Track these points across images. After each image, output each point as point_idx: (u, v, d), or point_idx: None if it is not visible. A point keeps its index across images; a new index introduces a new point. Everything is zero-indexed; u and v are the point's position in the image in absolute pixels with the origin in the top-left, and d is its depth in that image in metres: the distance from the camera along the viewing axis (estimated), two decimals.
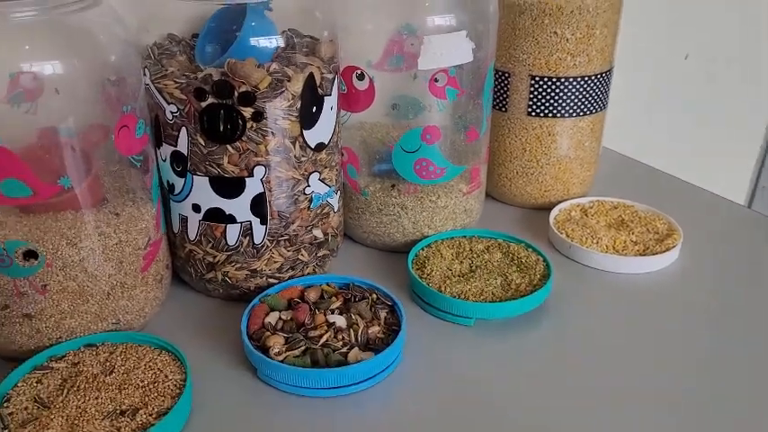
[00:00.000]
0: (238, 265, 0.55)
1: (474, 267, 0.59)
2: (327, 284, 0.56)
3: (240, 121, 0.50)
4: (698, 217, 0.72)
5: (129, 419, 0.42)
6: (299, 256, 0.57)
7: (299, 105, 0.51)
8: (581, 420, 0.46)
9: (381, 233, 0.64)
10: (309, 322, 0.51)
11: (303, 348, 0.49)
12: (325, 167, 0.56)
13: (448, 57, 0.57)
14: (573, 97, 0.68)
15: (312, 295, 0.54)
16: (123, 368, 0.46)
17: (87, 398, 0.43)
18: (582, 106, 0.69)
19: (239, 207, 0.53)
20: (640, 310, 0.57)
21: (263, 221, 0.54)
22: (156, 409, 0.43)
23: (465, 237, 0.63)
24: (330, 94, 0.54)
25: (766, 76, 1.26)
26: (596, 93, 0.69)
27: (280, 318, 0.52)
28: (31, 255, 0.45)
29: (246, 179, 0.52)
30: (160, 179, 0.55)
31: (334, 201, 0.59)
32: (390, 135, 0.61)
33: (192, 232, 0.55)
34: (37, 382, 0.45)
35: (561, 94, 0.67)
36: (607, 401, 0.48)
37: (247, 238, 0.54)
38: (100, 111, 0.47)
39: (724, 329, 0.55)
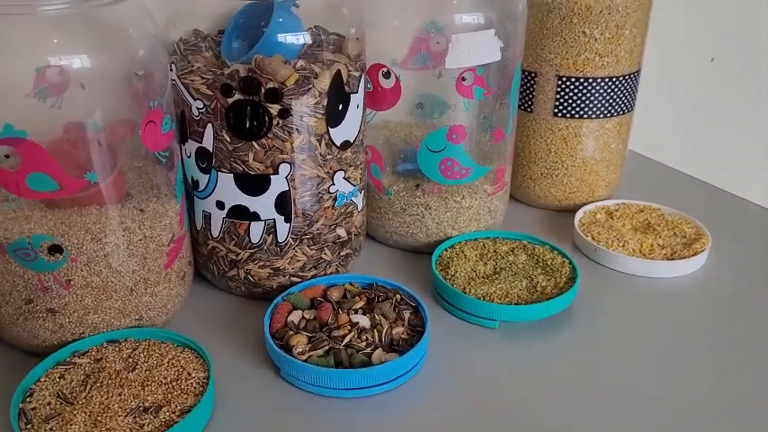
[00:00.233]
0: (261, 263, 0.55)
1: (498, 269, 0.58)
2: (350, 284, 0.55)
3: (266, 118, 0.49)
4: (726, 221, 0.70)
5: (152, 416, 0.42)
6: (323, 255, 0.56)
7: (325, 103, 0.51)
8: (605, 427, 0.45)
9: (404, 233, 0.64)
10: (333, 322, 0.50)
11: (326, 348, 0.48)
12: (350, 166, 0.55)
13: (476, 55, 0.56)
14: (600, 98, 0.67)
15: (335, 294, 0.54)
16: (146, 365, 0.46)
17: (110, 394, 0.43)
18: (609, 107, 0.68)
19: (263, 205, 0.53)
20: (668, 315, 0.56)
21: (287, 219, 0.53)
22: (179, 407, 0.43)
23: (489, 238, 0.63)
24: (357, 92, 0.54)
25: None
26: (624, 94, 0.68)
27: (303, 317, 0.52)
28: (55, 249, 0.45)
29: (271, 176, 0.52)
30: (184, 175, 0.55)
31: (359, 200, 0.58)
32: (414, 134, 0.61)
33: (216, 229, 0.55)
34: (60, 378, 0.45)
35: (588, 94, 0.66)
36: (633, 407, 0.47)
37: (271, 235, 0.54)
38: (126, 106, 0.47)
39: (753, 335, 0.54)
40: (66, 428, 0.41)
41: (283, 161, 0.51)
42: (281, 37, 0.50)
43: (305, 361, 0.47)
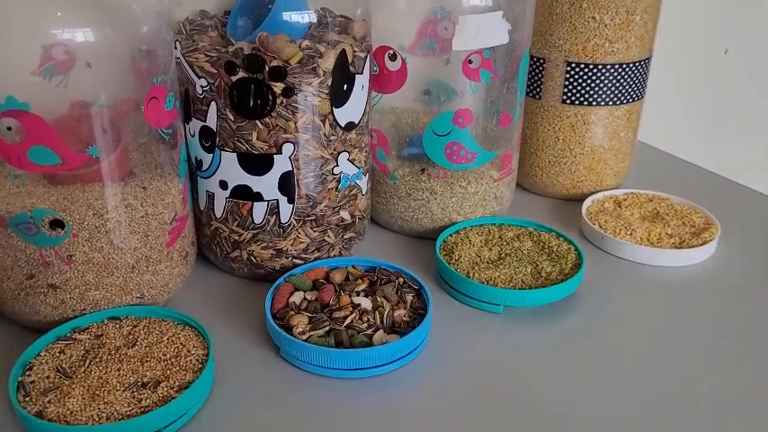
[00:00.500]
0: (264, 245, 0.55)
1: (503, 255, 0.58)
2: (353, 267, 0.55)
3: (270, 97, 0.49)
4: (735, 212, 0.69)
5: (150, 392, 0.42)
6: (326, 238, 0.56)
7: (329, 82, 0.51)
8: (607, 414, 0.44)
9: (409, 218, 0.63)
10: (334, 303, 0.50)
11: (327, 329, 0.48)
12: (355, 148, 0.55)
13: (483, 38, 0.56)
14: (609, 85, 0.66)
15: (338, 277, 0.53)
16: (146, 341, 0.46)
17: (109, 369, 0.43)
18: (618, 95, 0.67)
19: (267, 185, 0.52)
20: (675, 304, 0.56)
21: (291, 200, 0.53)
22: (177, 383, 0.42)
23: (495, 224, 0.62)
24: (362, 73, 0.53)
25: None
26: (634, 81, 0.67)
27: (305, 298, 0.51)
28: (57, 224, 0.45)
29: (275, 156, 0.51)
30: (188, 155, 0.55)
31: (363, 183, 0.58)
32: (421, 121, 0.60)
33: (219, 209, 0.54)
34: (60, 353, 0.45)
35: (597, 81, 0.66)
36: (635, 395, 0.46)
37: (274, 216, 0.54)
38: (130, 82, 0.46)
39: (761, 325, 0.53)
40: (63, 401, 0.40)
41: (287, 141, 0.51)
42: (286, 16, 0.49)
43: (305, 341, 0.47)
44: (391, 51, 0.57)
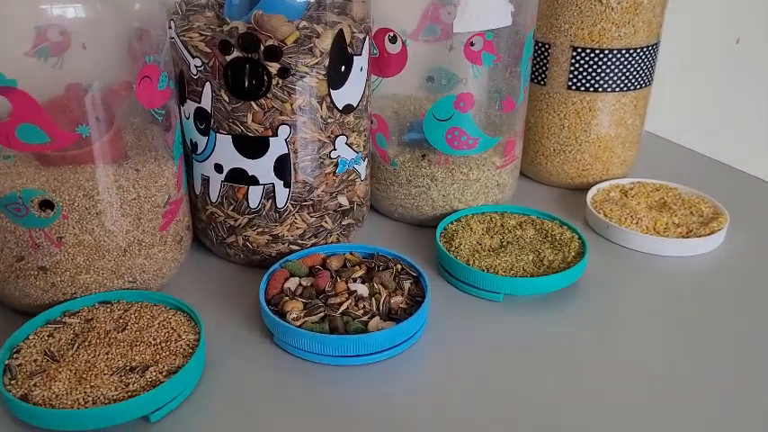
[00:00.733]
0: (260, 230, 0.54)
1: (505, 243, 0.56)
2: (351, 253, 0.54)
3: (265, 77, 0.48)
4: (745, 202, 0.68)
5: (138, 376, 0.41)
6: (323, 223, 0.55)
7: (327, 63, 0.49)
8: (608, 405, 0.43)
9: (409, 206, 0.62)
10: (330, 289, 0.49)
11: (322, 315, 0.47)
12: (353, 131, 0.54)
13: (485, 20, 0.54)
14: (616, 71, 0.64)
15: (334, 263, 0.52)
16: (136, 326, 0.45)
17: (98, 353, 0.42)
18: (625, 81, 0.65)
19: (262, 168, 0.51)
20: (680, 295, 0.54)
21: (287, 184, 0.52)
22: (166, 368, 0.41)
23: (497, 212, 0.61)
24: (360, 54, 0.52)
25: None
26: (641, 67, 0.65)
27: (300, 284, 0.50)
28: (47, 205, 0.44)
29: (270, 139, 0.50)
30: (183, 138, 0.54)
31: (362, 168, 0.56)
32: (423, 108, 0.59)
33: (214, 193, 0.53)
34: (48, 336, 0.44)
35: (604, 66, 0.64)
36: (637, 386, 0.44)
37: (270, 201, 0.53)
38: (122, 60, 0.45)
39: None
40: (49, 384, 0.40)
41: (283, 123, 0.50)
42: None
43: (299, 327, 0.45)
44: (391, 34, 0.56)
